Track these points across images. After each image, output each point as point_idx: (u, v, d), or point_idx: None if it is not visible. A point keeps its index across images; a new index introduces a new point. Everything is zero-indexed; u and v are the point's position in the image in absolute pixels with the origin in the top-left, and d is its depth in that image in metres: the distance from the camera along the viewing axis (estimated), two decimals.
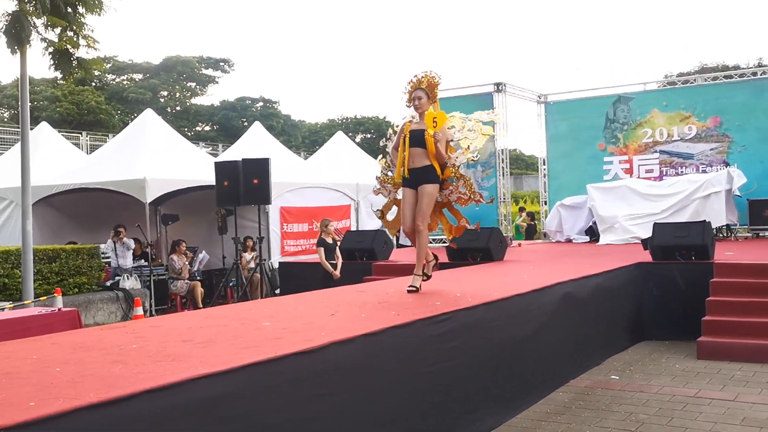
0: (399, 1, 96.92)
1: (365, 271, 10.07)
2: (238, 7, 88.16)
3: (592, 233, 14.34)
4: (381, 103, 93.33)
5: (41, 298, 9.86)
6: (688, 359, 7.53)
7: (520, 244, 14.74)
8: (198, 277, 13.81)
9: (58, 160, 15.93)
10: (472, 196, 6.28)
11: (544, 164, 16.37)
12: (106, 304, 11.86)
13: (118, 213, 14.16)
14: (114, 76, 48.00)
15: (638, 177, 14.79)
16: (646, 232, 10.41)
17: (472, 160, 6.40)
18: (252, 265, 13.81)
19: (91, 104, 39.42)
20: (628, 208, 13.46)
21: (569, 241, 14.72)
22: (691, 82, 15.46)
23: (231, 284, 13.93)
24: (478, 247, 10.26)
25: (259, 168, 12.62)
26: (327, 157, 19.91)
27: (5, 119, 39.15)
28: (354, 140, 32.27)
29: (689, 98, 14.69)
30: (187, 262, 13.41)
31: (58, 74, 11.13)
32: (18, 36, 9.75)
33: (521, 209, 21.08)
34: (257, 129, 18.78)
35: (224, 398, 3.24)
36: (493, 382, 5.48)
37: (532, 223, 20.14)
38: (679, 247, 8.88)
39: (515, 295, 6.07)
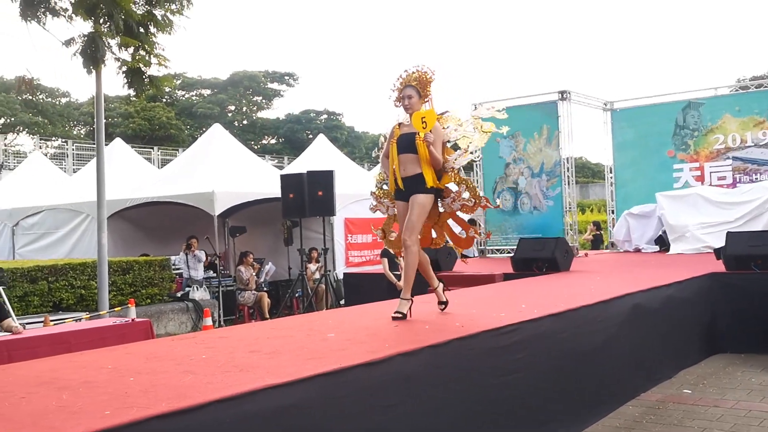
0: (462, 12, 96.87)
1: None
2: (302, 22, 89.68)
3: (662, 243, 13.98)
4: None
5: (116, 309, 10.18)
6: (765, 373, 7.25)
7: (586, 254, 14.48)
8: (265, 288, 14.02)
9: (131, 175, 16.43)
10: (477, 201, 5.57)
11: (610, 172, 16.07)
12: (177, 314, 12.16)
13: (188, 225, 14.51)
14: (183, 92, 49.44)
15: (710, 184, 14.36)
16: (719, 242, 10.10)
17: (473, 161, 5.73)
18: (317, 276, 13.96)
19: (162, 120, 40.73)
20: (699, 217, 13.07)
21: (638, 250, 14.39)
22: (766, 86, 14.94)
23: (296, 295, 14.09)
24: (543, 257, 10.12)
25: (324, 180, 12.77)
26: None
27: (82, 135, 40.73)
28: None
29: (763, 102, 14.21)
30: (254, 273, 13.64)
31: (131, 92, 11.55)
32: (93, 56, 10.14)
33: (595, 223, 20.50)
34: (321, 141, 19.01)
35: (290, 409, 3.29)
36: (561, 395, 5.40)
37: (599, 233, 19.75)
38: (755, 256, 8.57)
39: (582, 307, 5.97)
